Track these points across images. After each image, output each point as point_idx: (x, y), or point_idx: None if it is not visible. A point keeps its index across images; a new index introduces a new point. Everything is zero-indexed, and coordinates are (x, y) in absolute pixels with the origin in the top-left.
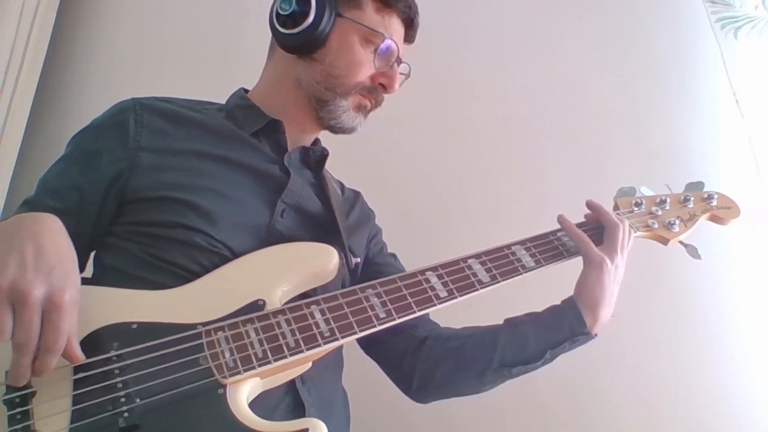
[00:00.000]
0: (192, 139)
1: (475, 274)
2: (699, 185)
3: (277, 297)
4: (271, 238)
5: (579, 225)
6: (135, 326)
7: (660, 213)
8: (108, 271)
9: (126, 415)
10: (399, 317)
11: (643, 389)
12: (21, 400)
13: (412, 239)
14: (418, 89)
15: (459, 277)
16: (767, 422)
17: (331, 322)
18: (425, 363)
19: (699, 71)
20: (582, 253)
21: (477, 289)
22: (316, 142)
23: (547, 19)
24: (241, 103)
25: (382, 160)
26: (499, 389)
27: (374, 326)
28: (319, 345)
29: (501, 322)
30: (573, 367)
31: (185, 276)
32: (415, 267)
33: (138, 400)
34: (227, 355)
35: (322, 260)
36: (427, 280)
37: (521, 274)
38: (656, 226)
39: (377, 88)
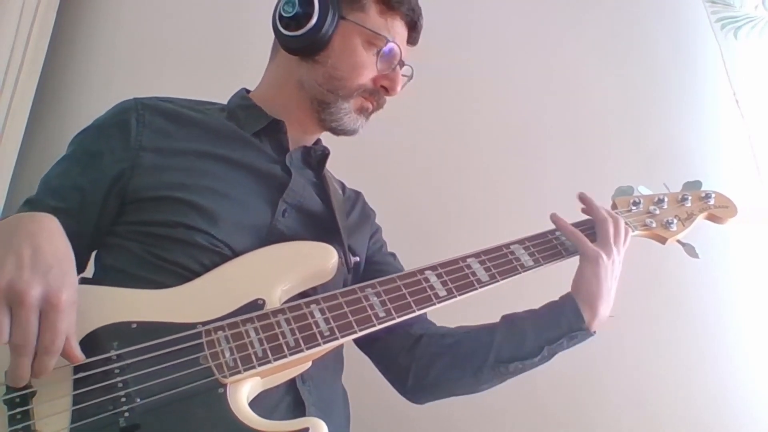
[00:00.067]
0: (193, 139)
1: (474, 274)
2: (696, 184)
3: (276, 296)
4: (272, 237)
5: (576, 224)
6: (135, 326)
7: (658, 212)
8: (109, 270)
9: (126, 414)
10: (398, 316)
11: (643, 389)
12: (21, 400)
13: (412, 239)
14: (419, 89)
15: (458, 277)
16: (767, 422)
17: (331, 321)
18: (420, 361)
19: (699, 71)
20: (577, 249)
21: (476, 289)
22: (317, 142)
23: (547, 19)
24: (243, 104)
25: (383, 160)
26: (499, 389)
27: (374, 325)
28: (318, 344)
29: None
30: (573, 367)
31: (186, 275)
32: (415, 266)
33: (138, 400)
34: (227, 354)
35: (321, 259)
36: (427, 280)
37: (520, 273)
38: (654, 225)
39: (379, 91)
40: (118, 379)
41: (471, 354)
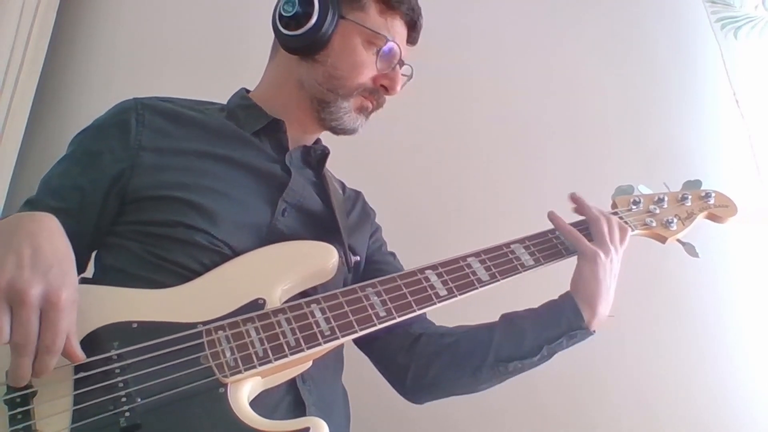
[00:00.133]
0: (193, 138)
1: (474, 273)
2: (696, 183)
3: (277, 296)
4: (272, 237)
5: (574, 224)
6: (135, 325)
7: (658, 211)
8: (109, 270)
9: (127, 414)
10: (399, 316)
11: (643, 389)
12: (22, 400)
13: (412, 238)
14: (419, 89)
15: (458, 276)
16: (767, 422)
17: (332, 320)
18: (419, 360)
19: (699, 71)
20: (575, 248)
21: (476, 288)
22: (317, 141)
23: (547, 19)
24: (243, 103)
25: (383, 160)
26: (498, 389)
27: (374, 325)
28: (319, 344)
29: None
30: (573, 367)
31: (186, 275)
32: (415, 266)
33: (139, 400)
34: (228, 354)
35: (321, 259)
36: (427, 279)
37: (520, 272)
38: (654, 224)
39: (379, 90)
40: (119, 378)
41: (470, 353)
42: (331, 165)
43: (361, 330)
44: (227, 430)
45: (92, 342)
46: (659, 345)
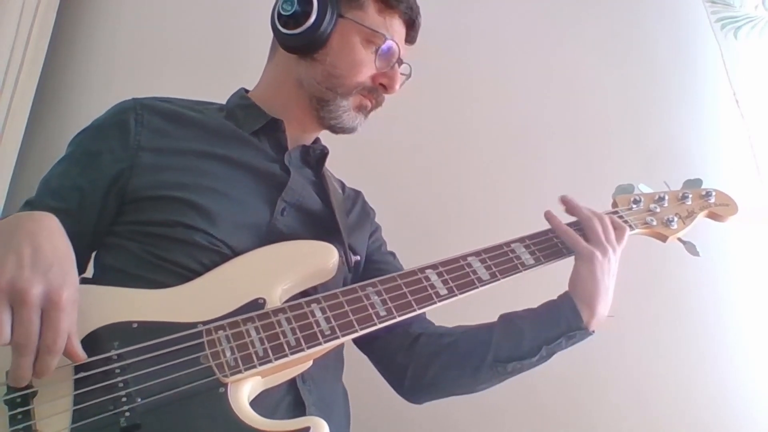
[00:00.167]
0: (192, 138)
1: (474, 272)
2: (697, 182)
3: (277, 295)
4: (271, 236)
5: (571, 224)
6: (135, 325)
7: (658, 210)
8: (108, 270)
9: (127, 414)
10: (399, 315)
11: (643, 389)
12: (22, 400)
13: (412, 238)
14: (419, 89)
15: (459, 275)
16: (767, 422)
17: (332, 320)
18: (419, 360)
19: (699, 71)
20: (571, 248)
21: (477, 287)
22: (316, 140)
23: (547, 19)
24: (242, 103)
25: (383, 160)
26: (498, 389)
27: (375, 324)
28: (319, 343)
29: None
30: (573, 366)
31: (186, 275)
32: (416, 265)
33: (139, 400)
34: (228, 354)
35: (321, 258)
36: (427, 278)
37: (521, 271)
38: (655, 223)
39: (378, 89)
40: (119, 378)
41: (469, 353)
42: (331, 165)
43: (361, 329)
44: (227, 430)
45: (92, 342)
46: (659, 345)
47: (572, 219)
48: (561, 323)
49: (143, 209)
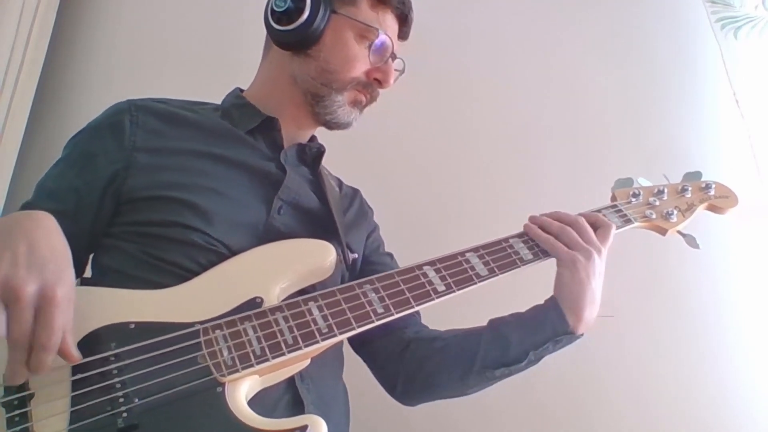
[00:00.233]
0: (188, 138)
1: (473, 268)
2: (697, 175)
3: (274, 294)
4: (268, 235)
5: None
6: (133, 326)
7: (658, 203)
8: (106, 271)
9: (125, 415)
10: (397, 312)
11: (643, 389)
12: (19, 402)
13: (411, 237)
14: (418, 88)
15: (457, 271)
16: (767, 422)
17: (329, 318)
18: (409, 365)
19: (699, 71)
20: (552, 254)
21: (475, 283)
22: (313, 139)
23: (547, 19)
24: (237, 102)
25: (383, 159)
26: (499, 389)
27: (372, 321)
28: (317, 341)
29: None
30: (573, 367)
31: (183, 275)
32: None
33: (136, 400)
34: (225, 353)
35: (319, 256)
36: (425, 275)
37: (519, 267)
38: (654, 216)
39: (372, 83)
40: (117, 379)
41: (457, 359)
42: (330, 163)
43: (359, 327)
44: (225, 429)
45: (90, 343)
46: (659, 345)
47: (577, 211)
48: (547, 328)
49: (140, 210)
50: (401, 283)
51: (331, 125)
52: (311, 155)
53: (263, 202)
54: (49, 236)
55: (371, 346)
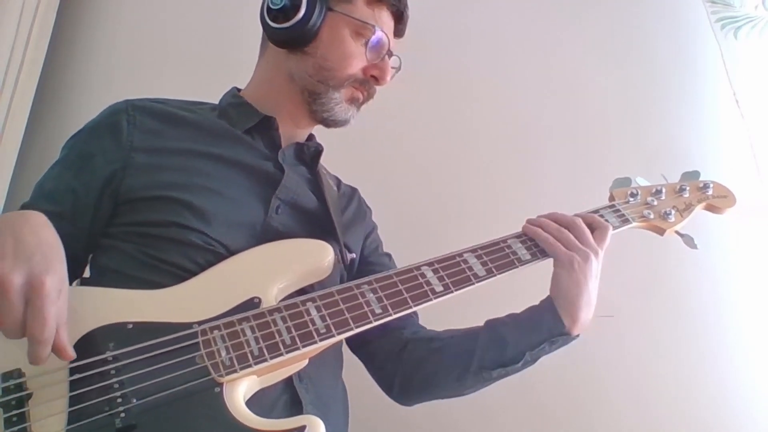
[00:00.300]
0: (185, 138)
1: (471, 268)
2: (695, 174)
3: (272, 294)
4: (266, 235)
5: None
6: (131, 326)
7: (656, 203)
8: (105, 272)
9: (123, 415)
10: (395, 312)
11: (643, 389)
12: (17, 403)
13: (410, 237)
14: (418, 87)
15: (455, 272)
16: (767, 422)
17: (327, 318)
18: (407, 365)
19: (699, 71)
20: (550, 254)
21: (473, 283)
22: (311, 137)
23: (547, 19)
24: (234, 102)
25: (382, 159)
26: (498, 389)
27: (370, 322)
28: (315, 341)
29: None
30: (573, 367)
31: (182, 275)
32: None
33: (134, 401)
34: (223, 353)
35: (317, 257)
36: (423, 275)
37: (517, 267)
38: (652, 216)
39: (369, 81)
40: (115, 379)
41: (454, 360)
42: (328, 162)
43: (356, 327)
44: (223, 430)
45: (88, 343)
46: (659, 345)
47: (576, 211)
48: (543, 330)
49: (138, 210)
50: (399, 284)
51: (328, 123)
52: (309, 154)
53: (261, 202)
54: (36, 230)
55: (369, 347)
